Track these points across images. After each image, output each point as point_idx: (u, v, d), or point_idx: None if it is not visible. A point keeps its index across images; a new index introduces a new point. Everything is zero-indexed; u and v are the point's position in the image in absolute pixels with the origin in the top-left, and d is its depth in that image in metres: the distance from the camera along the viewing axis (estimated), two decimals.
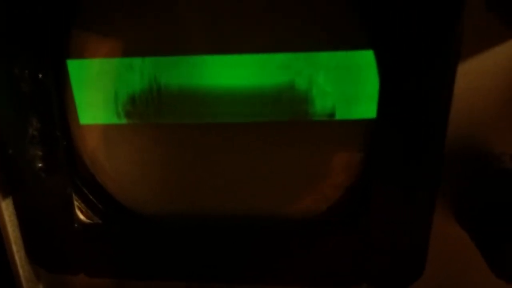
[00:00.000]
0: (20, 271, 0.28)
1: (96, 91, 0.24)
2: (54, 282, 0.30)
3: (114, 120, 0.24)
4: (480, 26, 0.21)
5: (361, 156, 0.24)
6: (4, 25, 0.21)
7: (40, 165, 0.24)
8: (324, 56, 0.22)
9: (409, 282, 0.25)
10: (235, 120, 0.24)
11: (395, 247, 0.24)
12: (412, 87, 0.20)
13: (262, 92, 0.23)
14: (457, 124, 0.22)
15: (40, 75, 0.22)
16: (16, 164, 0.24)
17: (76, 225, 0.26)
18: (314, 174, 0.25)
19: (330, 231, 0.25)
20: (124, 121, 0.24)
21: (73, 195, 0.26)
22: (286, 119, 0.23)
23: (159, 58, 0.23)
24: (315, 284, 0.26)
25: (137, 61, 0.23)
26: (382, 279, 0.25)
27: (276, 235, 0.25)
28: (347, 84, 0.22)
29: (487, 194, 0.23)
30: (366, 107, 0.22)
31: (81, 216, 0.27)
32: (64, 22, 0.23)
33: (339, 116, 0.23)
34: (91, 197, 0.27)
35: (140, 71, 0.23)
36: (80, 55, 0.23)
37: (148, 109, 0.24)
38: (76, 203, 0.26)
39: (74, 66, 0.23)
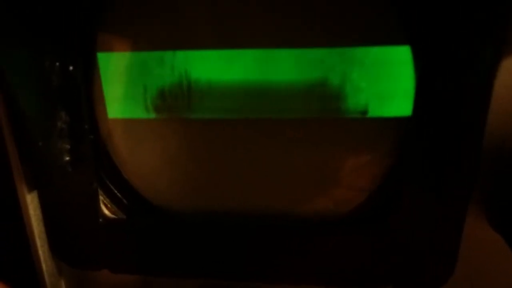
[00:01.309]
0: (43, 266, 0.28)
1: (125, 85, 0.24)
2: (76, 277, 0.30)
3: (142, 114, 0.24)
4: None
5: (392, 155, 0.24)
6: (37, 18, 0.21)
7: (67, 158, 0.24)
8: (359, 52, 0.21)
9: (438, 284, 0.24)
10: (264, 116, 0.23)
11: (424, 248, 0.24)
12: (450, 85, 0.20)
13: (294, 87, 0.22)
14: (489, 122, 0.22)
15: (70, 68, 0.22)
16: (43, 157, 0.24)
17: (100, 220, 0.26)
18: (344, 173, 0.24)
19: (359, 232, 0.24)
20: (152, 115, 0.24)
21: (99, 190, 0.26)
22: (317, 116, 0.23)
23: (190, 52, 0.22)
24: (343, 285, 0.25)
25: (168, 55, 0.22)
26: (411, 280, 0.25)
27: (304, 235, 0.25)
28: (381, 80, 0.22)
29: None
30: (400, 105, 0.22)
31: (106, 211, 0.26)
32: (95, 15, 0.23)
33: (371, 113, 0.22)
34: (116, 192, 0.27)
35: (170, 65, 0.23)
36: (111, 48, 0.23)
37: (178, 104, 0.23)
38: (101, 197, 0.26)
39: (104, 59, 0.23)
